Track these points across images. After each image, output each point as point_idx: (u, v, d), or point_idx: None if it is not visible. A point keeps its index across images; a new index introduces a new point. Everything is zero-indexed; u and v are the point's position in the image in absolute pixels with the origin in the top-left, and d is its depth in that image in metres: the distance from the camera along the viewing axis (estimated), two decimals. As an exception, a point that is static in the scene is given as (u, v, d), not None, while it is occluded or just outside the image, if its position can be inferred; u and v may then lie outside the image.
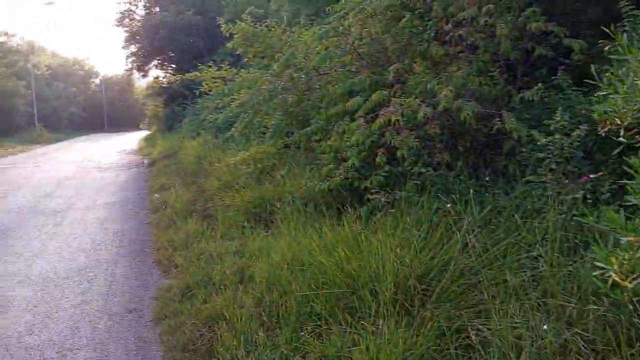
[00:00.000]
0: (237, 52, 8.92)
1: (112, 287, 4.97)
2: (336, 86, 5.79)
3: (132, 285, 5.01)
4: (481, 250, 3.34)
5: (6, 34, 56.08)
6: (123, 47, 35.72)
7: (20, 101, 40.56)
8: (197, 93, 9.10)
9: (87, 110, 65.87)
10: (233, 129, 9.05)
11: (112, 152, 24.87)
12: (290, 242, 4.74)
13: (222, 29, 8.76)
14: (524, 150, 4.05)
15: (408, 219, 4.07)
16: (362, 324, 3.13)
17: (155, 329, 3.91)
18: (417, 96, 4.49)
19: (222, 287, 4.23)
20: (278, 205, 5.81)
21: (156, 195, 9.71)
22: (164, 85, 32.95)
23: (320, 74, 5.99)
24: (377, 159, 4.59)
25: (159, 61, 35.81)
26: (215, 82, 8.67)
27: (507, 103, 4.45)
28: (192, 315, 3.84)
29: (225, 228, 6.36)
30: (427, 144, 4.61)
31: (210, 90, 10.77)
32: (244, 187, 7.32)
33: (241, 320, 3.41)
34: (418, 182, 4.67)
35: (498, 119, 3.81)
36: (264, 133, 9.22)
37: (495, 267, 3.20)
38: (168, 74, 37.29)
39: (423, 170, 4.50)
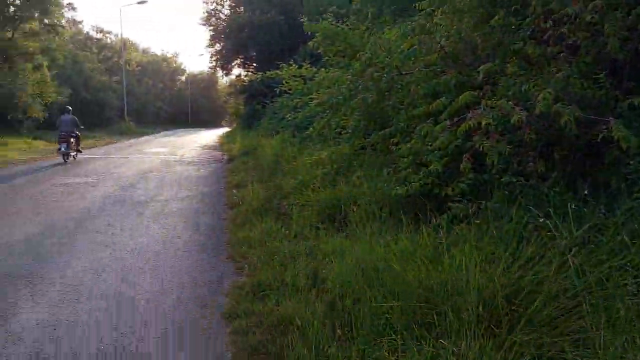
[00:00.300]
0: (318, 52, 8.88)
1: (186, 280, 5.02)
2: (419, 86, 5.54)
3: (205, 280, 5.03)
4: (580, 271, 3.01)
5: (102, 31, 59.95)
6: (208, 46, 37.09)
7: (112, 95, 43.04)
8: (277, 91, 9.12)
9: (172, 105, 69.01)
10: (311, 129, 9.04)
11: (194, 147, 25.75)
12: (365, 247, 4.57)
13: (303, 28, 8.75)
14: (631, 162, 3.64)
15: (494, 232, 3.78)
16: (441, 342, 2.91)
17: (226, 328, 3.86)
18: (509, 99, 4.17)
19: (294, 289, 4.14)
20: (355, 209, 5.62)
21: (234, 191, 9.85)
22: (245, 84, 33.84)
23: (402, 74, 5.77)
24: (462, 165, 4.31)
25: (242, 60, 36.83)
26: (295, 80, 8.66)
27: (613, 109, 4.03)
28: (263, 316, 3.76)
29: (300, 227, 6.29)
30: (518, 150, 4.28)
31: (290, 89, 10.83)
32: (319, 187, 7.24)
33: (313, 326, 3.28)
34: (506, 192, 4.36)
35: (604, 126, 3.43)
36: (341, 133, 9.14)
37: (596, 292, 2.86)
38: (249, 73, 38.36)
39: (513, 179, 4.17)
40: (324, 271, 4.50)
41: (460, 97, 4.43)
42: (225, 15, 36.64)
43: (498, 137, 3.91)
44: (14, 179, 12.30)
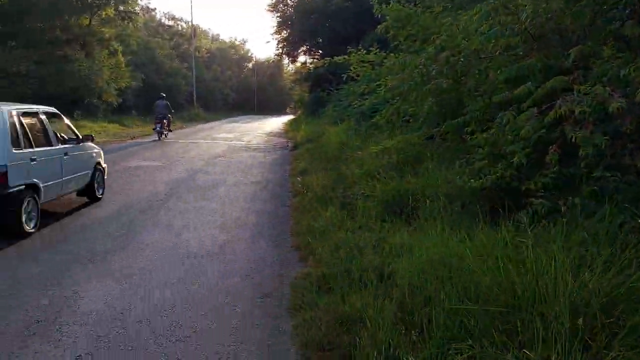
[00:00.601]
0: (385, 38, 8.56)
1: (250, 267, 4.94)
2: (499, 71, 5.16)
3: (269, 269, 4.93)
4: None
5: (173, 18, 61.71)
6: (275, 33, 37.24)
7: (182, 81, 44.18)
8: (344, 78, 8.90)
9: (239, 92, 70.10)
10: (378, 116, 8.78)
11: (260, 134, 26.01)
12: (436, 242, 4.31)
13: (373, 11, 8.45)
14: None
15: (585, 232, 3.43)
16: (525, 352, 2.63)
17: (290, 320, 3.73)
18: (604, 84, 3.76)
19: (361, 284, 3.94)
20: (427, 203, 5.34)
21: (298, 178, 9.76)
22: (310, 71, 33.80)
23: (480, 58, 5.39)
24: (548, 157, 3.96)
25: (307, 47, 36.78)
26: (363, 66, 8.40)
27: None
28: (329, 311, 3.59)
29: (365, 219, 6.07)
30: (613, 142, 3.86)
31: (357, 76, 10.57)
32: (385, 178, 6.99)
33: (382, 328, 3.07)
34: (596, 187, 3.96)
35: None
36: (409, 121, 8.82)
37: None
38: (315, 60, 38.28)
39: (606, 174, 3.77)
40: (390, 266, 4.28)
41: (549, 82, 4.05)
42: (293, 2, 36.64)
43: (592, 128, 3.52)
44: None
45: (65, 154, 7.13)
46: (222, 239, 5.99)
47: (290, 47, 37.40)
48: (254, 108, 70.85)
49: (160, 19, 62.39)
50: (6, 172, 5.64)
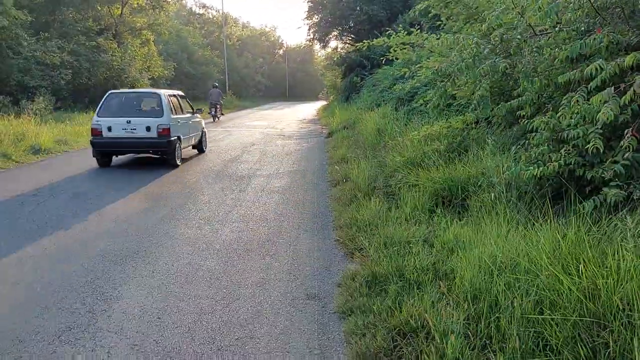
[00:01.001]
0: (418, 21, 8.13)
1: (293, 265, 4.67)
2: (558, 49, 4.70)
3: (313, 266, 4.65)
4: None
5: (204, 6, 61.96)
6: (306, 18, 36.72)
7: (213, 69, 44.25)
8: (383, 61, 8.48)
9: (270, 79, 70.11)
10: (420, 100, 8.36)
11: (293, 120, 25.78)
12: (495, 238, 3.95)
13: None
14: None
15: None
16: (618, 371, 2.28)
17: (339, 325, 3.45)
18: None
19: (416, 285, 3.63)
20: (479, 193, 4.96)
21: (336, 167, 9.45)
22: (342, 56, 33.28)
23: (537, 34, 4.94)
24: (625, 142, 3.53)
25: (339, 31, 36.19)
26: (403, 48, 7.99)
27: None
28: (383, 316, 3.29)
29: (411, 210, 5.74)
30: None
31: (396, 58, 10.11)
32: (433, 166, 6.62)
33: (446, 339, 2.75)
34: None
35: None
36: (449, 105, 8.37)
37: None
38: (347, 45, 37.68)
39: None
40: (446, 264, 3.95)
41: (628, 57, 3.60)
42: (323, -14, 36.02)
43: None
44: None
45: (189, 120, 11.56)
46: (263, 234, 5.74)
47: (321, 32, 36.83)
48: (285, 94, 70.75)
49: (190, 8, 62.64)
50: (169, 127, 9.95)
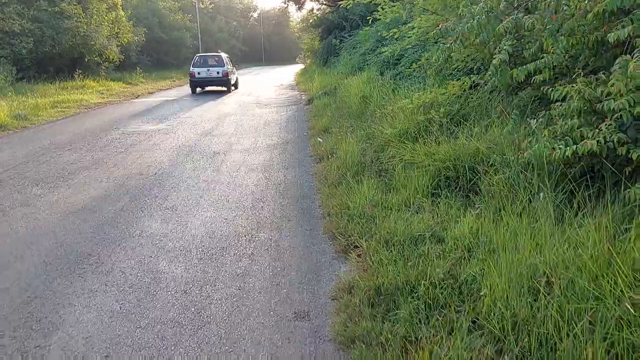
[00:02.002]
0: None
1: (275, 269, 3.89)
2: (589, 2, 3.88)
3: (300, 270, 3.87)
4: None
5: (175, -32, 58.92)
6: (281, -22, 35.10)
7: (186, 34, 42.41)
8: (369, 20, 7.54)
9: (245, 43, 68.03)
10: (413, 64, 7.52)
11: (270, 86, 24.69)
12: (529, 239, 3.21)
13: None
14: None
15: None
16: None
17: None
18: None
19: (434, 305, 2.88)
20: (506, 178, 4.21)
21: (319, 139, 8.61)
22: (320, 17, 31.94)
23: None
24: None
25: (316, -9, 34.71)
26: (393, 5, 7.07)
27: None
28: (396, 354, 2.54)
29: (409, 194, 4.98)
30: None
31: (377, 19, 9.18)
32: (429, 140, 5.83)
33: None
34: None
35: None
36: (448, 72, 7.54)
37: None
38: (324, 6, 36.21)
39: None
40: (464, 270, 3.20)
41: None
42: (298, -56, 34.33)
43: None
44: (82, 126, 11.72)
45: (233, 69, 22.59)
46: (238, 223, 4.94)
47: (297, -7, 35.34)
48: (261, 59, 68.88)
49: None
50: (227, 72, 20.50)
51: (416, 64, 7.25)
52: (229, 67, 21.22)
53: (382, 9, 7.16)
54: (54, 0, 22.73)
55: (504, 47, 3.90)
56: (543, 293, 2.61)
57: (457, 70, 7.36)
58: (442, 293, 2.95)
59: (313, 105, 13.75)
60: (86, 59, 24.03)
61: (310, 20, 36.24)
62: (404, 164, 5.71)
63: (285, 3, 40.12)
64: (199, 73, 20.35)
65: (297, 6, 38.60)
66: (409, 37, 7.41)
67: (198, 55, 22.05)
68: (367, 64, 13.19)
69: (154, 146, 8.85)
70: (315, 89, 16.32)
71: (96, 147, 8.88)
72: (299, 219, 5.06)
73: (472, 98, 6.69)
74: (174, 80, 29.47)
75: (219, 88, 20.83)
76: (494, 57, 4.01)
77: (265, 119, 12.34)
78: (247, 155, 8.07)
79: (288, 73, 37.92)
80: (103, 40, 24.55)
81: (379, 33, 9.63)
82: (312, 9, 38.00)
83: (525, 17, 3.76)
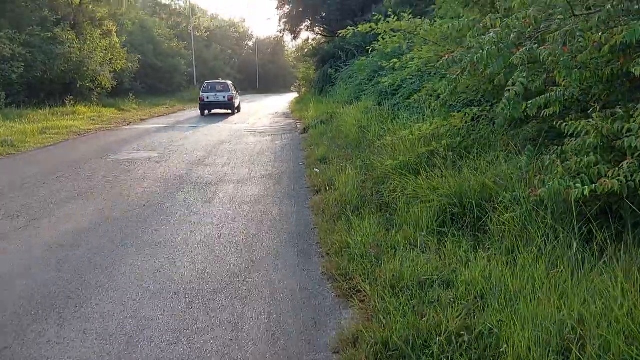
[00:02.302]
0: (395, 11, 7.03)
1: (271, 316, 3.56)
2: (604, 34, 3.67)
3: (297, 317, 3.54)
4: None
5: (171, -3, 59.42)
6: (277, 8, 35.36)
7: (181, 62, 42.50)
8: (369, 50, 7.34)
9: (240, 71, 68.43)
10: (415, 96, 7.32)
11: (265, 114, 24.56)
12: (552, 289, 2.92)
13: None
14: None
15: None
16: None
17: None
18: None
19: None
20: (517, 216, 3.94)
21: (316, 169, 8.34)
22: (315, 47, 32.16)
23: (576, 15, 3.90)
24: None
25: (311, 21, 34.95)
26: (393, 35, 6.90)
27: None
28: None
29: (412, 230, 4.70)
30: None
31: (373, 49, 8.99)
32: (432, 173, 5.58)
33: None
34: None
35: None
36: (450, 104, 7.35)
37: None
38: (319, 35, 36.46)
39: None
40: (479, 321, 2.90)
41: None
42: (294, -25, 34.67)
43: None
44: (56, 152, 11.41)
45: (237, 94, 25.30)
46: (230, 262, 4.61)
47: (292, 23, 35.50)
48: (256, 87, 69.17)
49: (156, -2, 60.36)
50: (232, 96, 23.40)
51: (416, 94, 7.04)
52: (234, 92, 24.00)
53: (383, 38, 6.96)
54: (47, 25, 22.66)
55: (519, 80, 3.67)
56: (576, 354, 2.31)
57: (457, 102, 7.17)
58: (459, 351, 2.63)
59: (309, 134, 13.55)
60: (78, 85, 23.82)
61: (306, 50, 36.49)
62: (407, 198, 5.45)
63: (280, 32, 40.39)
64: (207, 97, 23.11)
65: (292, 35, 38.81)
66: (409, 67, 7.21)
67: (207, 82, 24.93)
68: (365, 94, 13.05)
69: (144, 176, 8.54)
70: (311, 118, 16.15)
71: (84, 176, 8.56)
72: (296, 257, 4.74)
73: (473, 130, 6.49)
74: (167, 107, 29.31)
75: (225, 111, 23.71)
76: (508, 89, 3.77)
77: (260, 147, 12.09)
78: (240, 186, 7.77)
79: (283, 101, 37.97)
80: (96, 67, 24.41)
81: (379, 63, 9.43)
82: (308, 39, 38.32)
83: (540, 48, 3.54)
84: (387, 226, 4.99)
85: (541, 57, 3.46)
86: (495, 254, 3.79)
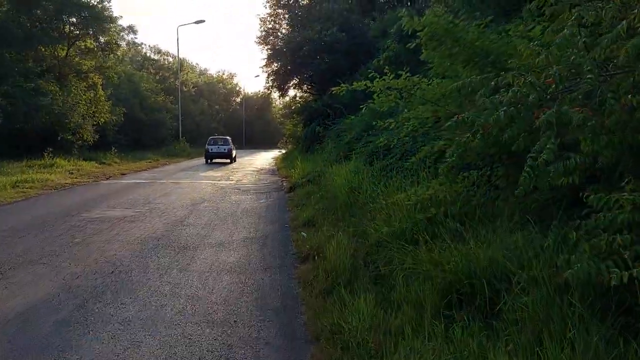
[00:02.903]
0: (381, 71, 6.73)
1: None
2: (636, 96, 3.26)
3: None
4: None
5: (159, 52, 60.18)
6: (264, 66, 35.62)
7: (167, 115, 42.39)
8: (363, 109, 6.93)
9: (227, 126, 68.58)
10: (413, 158, 6.89)
11: (250, 170, 24.12)
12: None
13: (370, 41, 6.66)
14: None
15: None
16: None
17: None
18: None
19: None
20: (536, 301, 3.40)
21: (303, 234, 7.77)
22: (303, 104, 32.23)
23: (605, 75, 3.50)
24: None
25: (299, 79, 35.21)
26: (389, 94, 6.53)
27: None
28: None
29: (414, 311, 4.11)
30: None
31: (360, 107, 8.63)
32: (432, 244, 5.04)
33: None
34: None
35: None
36: (438, 159, 6.93)
37: None
38: (307, 93, 36.69)
39: None
40: None
41: None
42: (283, 35, 35.20)
43: None
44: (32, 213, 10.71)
45: (234, 147, 31.38)
46: (204, 348, 3.95)
47: (280, 80, 35.72)
48: (242, 142, 69.20)
49: (145, 53, 61.08)
50: (231, 148, 30.28)
51: (414, 156, 6.60)
52: (231, 146, 30.71)
53: (378, 96, 6.58)
54: (30, 77, 22.33)
55: (549, 146, 3.20)
56: None
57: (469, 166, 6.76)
58: None
59: (295, 193, 13.04)
60: (59, 137, 23.30)
61: (292, 107, 36.59)
62: (406, 272, 4.88)
63: (268, 89, 40.65)
64: (211, 149, 30.16)
65: (280, 92, 39.05)
66: (406, 127, 6.83)
67: (211, 137, 32.66)
68: (354, 153, 12.60)
69: (116, 237, 7.87)
70: (298, 176, 15.70)
71: (50, 236, 7.87)
72: (281, 342, 4.10)
73: (474, 195, 6.02)
74: (149, 162, 28.74)
75: (224, 160, 29.89)
76: (531, 156, 3.31)
77: (244, 206, 11.51)
78: (220, 251, 7.14)
79: (269, 157, 37.73)
80: (78, 119, 23.96)
81: (373, 122, 9.06)
82: (295, 96, 38.50)
83: (571, 110, 3.10)
84: (384, 305, 4.40)
85: (573, 121, 3.01)
86: (515, 348, 3.21)
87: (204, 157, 30.12)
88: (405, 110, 6.71)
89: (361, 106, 6.78)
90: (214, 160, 29.72)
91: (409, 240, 5.57)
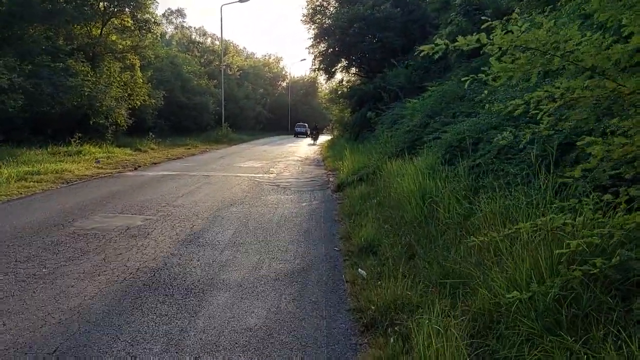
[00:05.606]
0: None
1: None
2: None
3: None
4: None
5: (205, 33, 58.53)
6: (312, 46, 33.06)
7: (210, 99, 40.52)
8: (484, 79, 4.30)
9: (272, 111, 66.63)
10: (570, 170, 4.23)
11: (293, 160, 21.76)
12: None
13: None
14: None
15: None
16: None
17: None
18: None
19: None
20: None
21: (361, 271, 5.30)
22: (353, 87, 29.62)
23: None
24: None
25: (347, 61, 32.51)
26: (516, 57, 3.88)
27: None
28: None
29: None
30: None
31: (494, 79, 5.78)
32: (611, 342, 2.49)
33: None
34: None
35: None
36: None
37: None
38: (355, 77, 33.95)
39: None
40: None
41: None
42: (331, 12, 32.44)
43: None
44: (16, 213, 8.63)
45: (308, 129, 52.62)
46: None
47: (327, 62, 33.04)
48: (287, 128, 67.14)
49: (190, 36, 59.61)
50: (307, 130, 54.01)
51: (577, 166, 3.97)
52: (307, 128, 39.15)
53: (499, 60, 3.90)
54: (61, 55, 20.56)
55: None
56: None
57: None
58: None
59: (345, 194, 10.56)
60: (91, 122, 21.54)
61: (339, 92, 33.96)
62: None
63: (314, 71, 38.08)
64: (297, 130, 53.46)
65: (327, 75, 36.42)
66: (545, 113, 4.18)
67: (297, 124, 48.73)
68: (426, 146, 9.69)
69: (99, 268, 5.60)
70: (347, 171, 13.19)
71: (11, 262, 5.69)
72: None
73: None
74: (188, 148, 26.85)
75: (303, 136, 40.02)
76: None
77: (281, 212, 9.12)
78: (238, 299, 4.76)
79: (315, 145, 35.30)
80: (110, 102, 22.11)
81: (443, 107, 6.38)
82: (342, 80, 35.82)
83: None
84: None
85: None
86: None
87: (244, 145, 28.65)
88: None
89: (430, 85, 4.15)
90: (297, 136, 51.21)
91: (557, 323, 3.05)
